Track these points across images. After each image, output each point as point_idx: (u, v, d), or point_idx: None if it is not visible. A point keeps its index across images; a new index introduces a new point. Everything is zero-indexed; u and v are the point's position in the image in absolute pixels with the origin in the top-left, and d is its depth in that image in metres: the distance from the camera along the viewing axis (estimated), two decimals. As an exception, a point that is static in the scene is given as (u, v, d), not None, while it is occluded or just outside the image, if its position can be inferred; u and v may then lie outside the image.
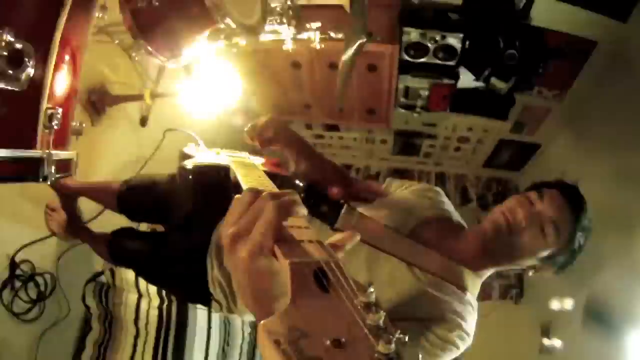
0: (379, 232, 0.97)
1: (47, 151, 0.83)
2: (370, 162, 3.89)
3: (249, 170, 0.85)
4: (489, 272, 1.02)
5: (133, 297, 1.95)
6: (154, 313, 1.96)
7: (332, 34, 1.66)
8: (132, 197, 1.42)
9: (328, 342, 0.33)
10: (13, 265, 1.59)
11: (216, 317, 2.09)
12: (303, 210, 0.48)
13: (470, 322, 0.92)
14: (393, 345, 0.32)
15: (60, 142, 0.89)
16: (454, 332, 0.88)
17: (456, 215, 1.10)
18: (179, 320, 1.97)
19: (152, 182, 1.39)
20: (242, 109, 2.31)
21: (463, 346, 0.89)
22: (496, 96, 2.69)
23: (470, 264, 0.98)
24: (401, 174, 3.94)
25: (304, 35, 1.63)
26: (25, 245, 1.61)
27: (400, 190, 1.15)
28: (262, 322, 0.33)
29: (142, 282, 1.95)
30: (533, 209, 0.93)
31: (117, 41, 1.71)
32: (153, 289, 1.97)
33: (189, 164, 0.99)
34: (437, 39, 2.35)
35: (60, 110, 0.83)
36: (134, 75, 1.96)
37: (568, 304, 2.64)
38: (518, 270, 1.02)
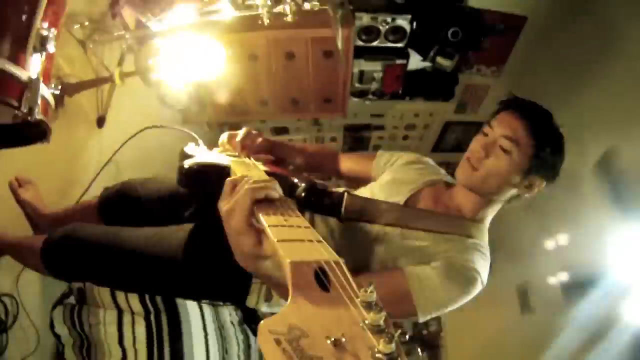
0: (381, 210, 1.02)
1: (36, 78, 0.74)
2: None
3: (249, 170, 0.86)
4: (489, 214, 1.07)
5: (112, 314, 1.66)
6: (141, 329, 1.68)
7: (307, 5, 1.66)
8: (112, 205, 1.36)
9: (329, 342, 0.33)
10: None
11: (210, 323, 1.87)
12: (274, 193, 0.63)
13: (477, 259, 0.96)
14: (394, 345, 0.32)
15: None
16: (460, 261, 0.94)
17: (445, 176, 1.18)
18: (172, 331, 1.71)
19: (132, 190, 1.35)
20: (217, 84, 2.24)
21: (473, 279, 0.93)
22: (442, 75, 2.86)
23: (465, 213, 1.04)
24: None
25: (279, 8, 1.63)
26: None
27: (390, 164, 1.21)
28: (263, 321, 0.33)
29: (120, 295, 1.65)
30: (487, 137, 1.00)
31: (73, 30, 1.60)
32: (134, 299, 1.76)
33: (189, 164, 0.96)
34: (387, 20, 2.46)
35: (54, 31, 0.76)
36: (89, 68, 1.83)
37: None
38: (516, 198, 1.05)
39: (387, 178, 1.16)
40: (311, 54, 2.51)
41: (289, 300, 0.38)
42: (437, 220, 1.01)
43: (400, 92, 2.89)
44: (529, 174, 0.98)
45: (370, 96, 3.03)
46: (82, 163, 1.88)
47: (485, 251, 1.00)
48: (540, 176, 0.99)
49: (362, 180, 1.24)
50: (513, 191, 1.02)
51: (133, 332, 1.65)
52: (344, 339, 0.33)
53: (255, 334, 2.33)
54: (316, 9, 1.70)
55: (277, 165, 1.12)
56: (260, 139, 1.12)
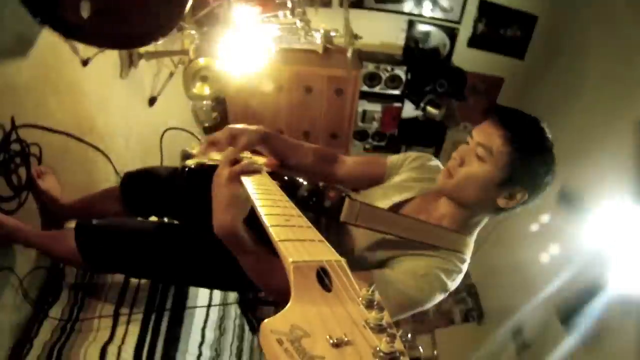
0: (378, 218, 1.01)
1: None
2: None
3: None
4: (471, 226, 1.04)
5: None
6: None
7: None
8: (136, 184, 1.37)
9: (330, 341, 0.33)
10: None
11: (211, 331, 1.76)
12: (249, 164, 0.82)
13: (445, 265, 0.96)
14: (395, 344, 0.32)
15: None
16: (426, 266, 0.95)
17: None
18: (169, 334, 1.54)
19: (153, 170, 1.39)
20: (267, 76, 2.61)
21: (435, 286, 0.93)
22: (432, 125, 3.40)
23: (446, 223, 1.03)
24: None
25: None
26: None
27: (402, 166, 1.19)
28: (264, 321, 0.34)
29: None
30: (467, 146, 0.98)
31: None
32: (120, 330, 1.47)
33: (191, 163, 0.98)
34: (388, 69, 3.07)
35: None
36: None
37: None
38: (502, 210, 1.00)
39: (393, 182, 1.16)
40: (326, 90, 3.07)
41: (290, 300, 0.38)
42: (427, 231, 1.00)
43: (396, 134, 3.38)
44: (508, 184, 0.93)
45: (369, 140, 3.53)
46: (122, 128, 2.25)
47: (458, 263, 0.98)
48: (520, 187, 0.94)
49: (366, 182, 1.20)
50: (492, 202, 0.97)
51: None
52: (345, 339, 0.33)
53: (250, 323, 2.43)
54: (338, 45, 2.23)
55: (278, 165, 1.12)
56: (244, 138, 1.01)
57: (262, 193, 0.69)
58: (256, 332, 2.49)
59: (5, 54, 1.35)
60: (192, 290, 1.74)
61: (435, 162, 1.19)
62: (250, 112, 3.17)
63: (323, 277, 0.43)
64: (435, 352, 3.97)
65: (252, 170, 0.80)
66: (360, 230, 1.03)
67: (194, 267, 1.18)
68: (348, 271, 0.44)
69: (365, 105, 3.24)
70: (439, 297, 0.95)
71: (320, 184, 1.05)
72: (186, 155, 1.05)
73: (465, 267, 1.00)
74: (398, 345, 0.32)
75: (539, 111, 1.03)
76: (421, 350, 3.65)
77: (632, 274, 2.11)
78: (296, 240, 0.50)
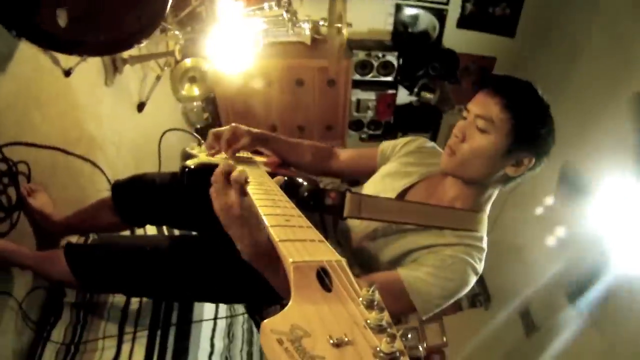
0: (381, 208, 1.01)
1: None
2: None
3: (251, 170, 0.84)
4: (483, 202, 1.02)
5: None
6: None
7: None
8: (127, 192, 1.31)
9: (331, 341, 0.33)
10: None
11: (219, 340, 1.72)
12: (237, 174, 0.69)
13: (469, 251, 0.94)
14: (395, 344, 0.32)
15: None
16: (452, 255, 0.93)
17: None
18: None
19: (143, 177, 1.33)
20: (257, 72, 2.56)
21: (465, 273, 0.92)
22: (427, 109, 3.35)
23: (458, 204, 1.01)
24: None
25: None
26: None
27: (394, 153, 1.19)
28: (264, 321, 0.34)
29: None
30: (465, 121, 0.96)
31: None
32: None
33: (191, 164, 0.96)
34: (379, 56, 3.01)
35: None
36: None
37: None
38: (509, 180, 1.00)
39: (387, 169, 1.15)
40: (317, 81, 3.02)
41: (291, 300, 0.38)
42: (433, 214, 0.98)
43: (392, 121, 3.34)
44: (513, 150, 0.92)
45: (365, 129, 3.48)
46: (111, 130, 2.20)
47: (478, 242, 0.96)
48: (526, 152, 0.93)
49: (363, 174, 1.21)
50: (502, 172, 0.96)
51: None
52: (346, 339, 0.33)
53: (258, 325, 2.41)
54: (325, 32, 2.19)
55: (279, 165, 1.11)
56: (246, 139, 1.05)
57: (261, 193, 0.68)
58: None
59: (-18, 71, 1.30)
60: (197, 303, 1.68)
61: (431, 143, 1.19)
62: (242, 110, 3.12)
63: (323, 277, 0.42)
64: (444, 339, 3.98)
65: (245, 180, 0.71)
66: (364, 227, 1.01)
67: (193, 283, 1.14)
68: (348, 271, 0.43)
69: (359, 95, 3.19)
70: (473, 281, 0.94)
71: (321, 184, 1.05)
72: (186, 156, 1.04)
73: (485, 245, 0.98)
74: (398, 345, 0.32)
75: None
76: (421, 349, 3.66)
77: (637, 250, 2.10)
78: (296, 240, 0.50)
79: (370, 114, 3.31)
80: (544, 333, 2.92)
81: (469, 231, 0.97)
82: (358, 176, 1.24)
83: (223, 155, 1.05)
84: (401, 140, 1.19)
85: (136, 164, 2.21)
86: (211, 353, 1.56)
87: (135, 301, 1.53)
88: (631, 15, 2.38)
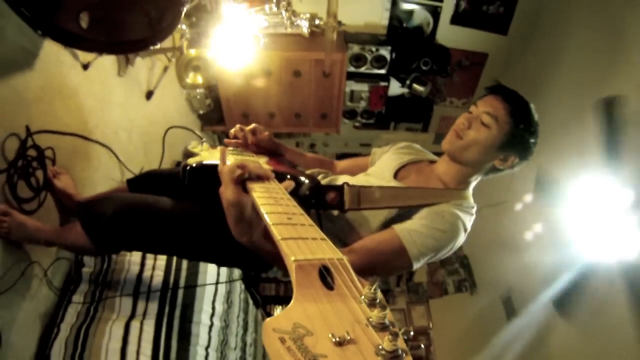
0: (377, 195, 1.10)
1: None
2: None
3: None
4: (470, 181, 1.18)
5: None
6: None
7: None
8: (141, 181, 1.49)
9: (333, 340, 0.33)
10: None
11: (219, 304, 1.93)
12: (255, 168, 0.75)
13: (459, 210, 1.07)
14: (397, 342, 0.32)
15: None
16: (443, 209, 1.06)
17: (429, 155, 1.32)
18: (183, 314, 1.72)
19: (154, 170, 1.53)
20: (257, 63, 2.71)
21: (456, 224, 1.04)
22: (418, 101, 3.52)
23: (447, 182, 1.17)
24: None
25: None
26: None
27: (383, 153, 1.34)
28: (267, 319, 0.34)
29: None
30: (471, 114, 1.14)
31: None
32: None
33: (193, 163, 0.98)
34: (373, 50, 3.16)
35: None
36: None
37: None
38: (493, 171, 1.17)
39: (377, 164, 1.30)
40: (314, 73, 3.17)
41: (293, 298, 0.38)
42: (426, 194, 1.11)
43: (383, 111, 3.50)
44: (505, 148, 1.11)
45: (359, 118, 3.65)
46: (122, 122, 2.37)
47: (467, 209, 1.10)
48: (514, 152, 1.12)
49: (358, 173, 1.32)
50: (490, 163, 1.14)
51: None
52: (348, 337, 0.33)
53: (254, 298, 2.62)
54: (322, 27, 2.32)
55: (281, 164, 1.16)
56: (267, 134, 1.21)
57: (264, 192, 0.69)
58: (259, 307, 2.70)
59: (14, 67, 1.47)
60: (201, 267, 1.91)
61: (418, 146, 1.36)
62: (243, 98, 3.28)
63: (325, 276, 0.43)
64: (430, 324, 4.21)
65: (256, 177, 0.77)
66: (364, 219, 1.11)
67: (199, 244, 1.19)
68: (350, 269, 0.44)
69: (352, 86, 3.35)
70: (462, 237, 1.06)
71: (321, 182, 1.14)
72: (188, 154, 1.08)
73: (474, 213, 1.12)
74: (400, 343, 0.32)
75: (521, 86, 1.20)
76: (422, 347, 3.87)
77: (609, 243, 2.29)
78: (298, 238, 0.50)
79: (363, 104, 3.48)
80: (523, 317, 3.11)
81: (461, 200, 1.12)
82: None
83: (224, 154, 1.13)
84: (390, 145, 1.36)
85: (145, 148, 2.39)
86: (212, 314, 1.80)
87: (148, 267, 1.75)
88: (608, 26, 2.51)
